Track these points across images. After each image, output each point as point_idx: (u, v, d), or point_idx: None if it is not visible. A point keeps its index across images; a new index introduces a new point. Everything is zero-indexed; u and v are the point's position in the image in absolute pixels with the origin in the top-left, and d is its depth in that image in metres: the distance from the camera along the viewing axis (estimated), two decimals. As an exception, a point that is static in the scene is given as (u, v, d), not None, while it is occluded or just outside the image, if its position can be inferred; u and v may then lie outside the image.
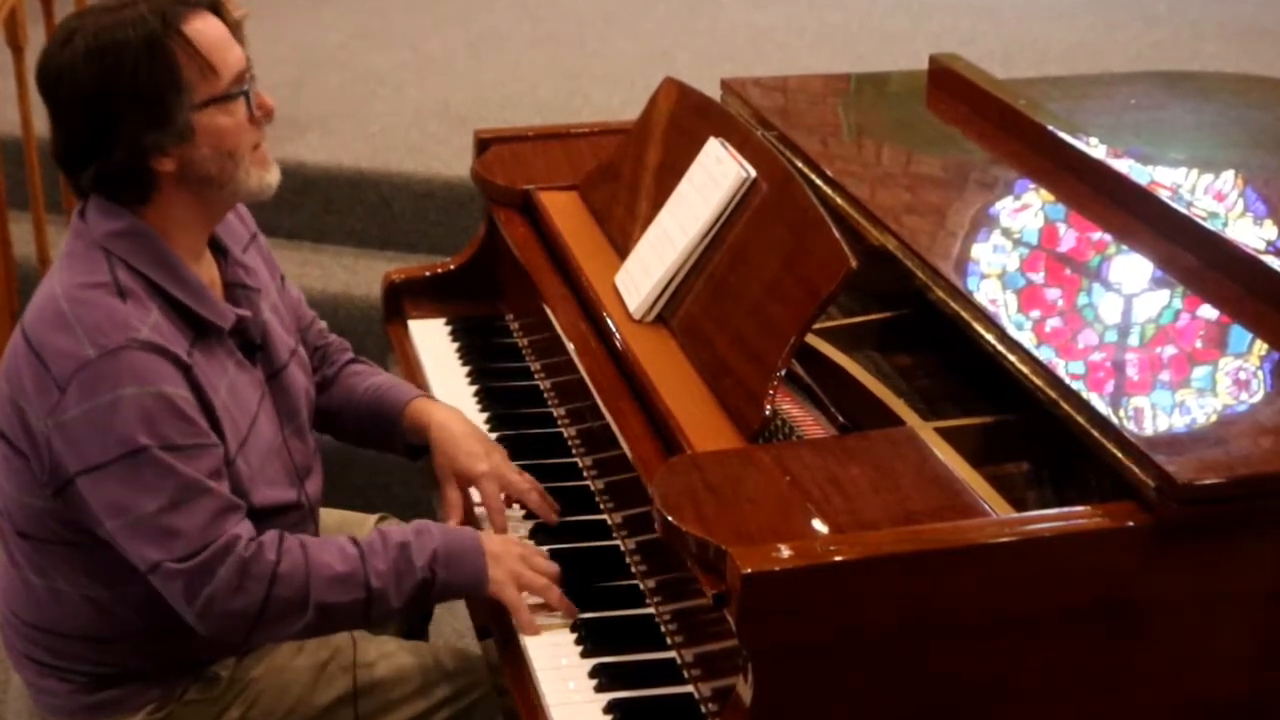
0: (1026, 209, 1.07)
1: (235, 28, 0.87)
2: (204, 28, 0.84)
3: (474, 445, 0.97)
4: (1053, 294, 0.95)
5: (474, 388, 1.15)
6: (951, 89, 1.25)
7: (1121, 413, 0.80)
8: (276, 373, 0.93)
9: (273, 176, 0.88)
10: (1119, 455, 0.78)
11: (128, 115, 0.82)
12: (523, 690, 0.86)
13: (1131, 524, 0.76)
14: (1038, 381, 0.84)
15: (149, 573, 0.83)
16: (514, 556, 0.88)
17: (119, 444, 0.80)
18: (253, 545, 0.83)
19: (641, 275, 1.01)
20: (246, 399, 0.89)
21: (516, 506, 0.98)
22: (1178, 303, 0.94)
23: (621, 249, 1.07)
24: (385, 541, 0.86)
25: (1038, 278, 0.97)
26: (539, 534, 0.97)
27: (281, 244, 1.79)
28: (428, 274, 1.26)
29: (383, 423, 1.01)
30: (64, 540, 0.87)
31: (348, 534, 0.96)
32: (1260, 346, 0.89)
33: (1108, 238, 1.01)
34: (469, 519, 0.96)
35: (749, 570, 0.71)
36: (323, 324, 1.07)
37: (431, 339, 1.21)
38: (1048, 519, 0.78)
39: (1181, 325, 0.92)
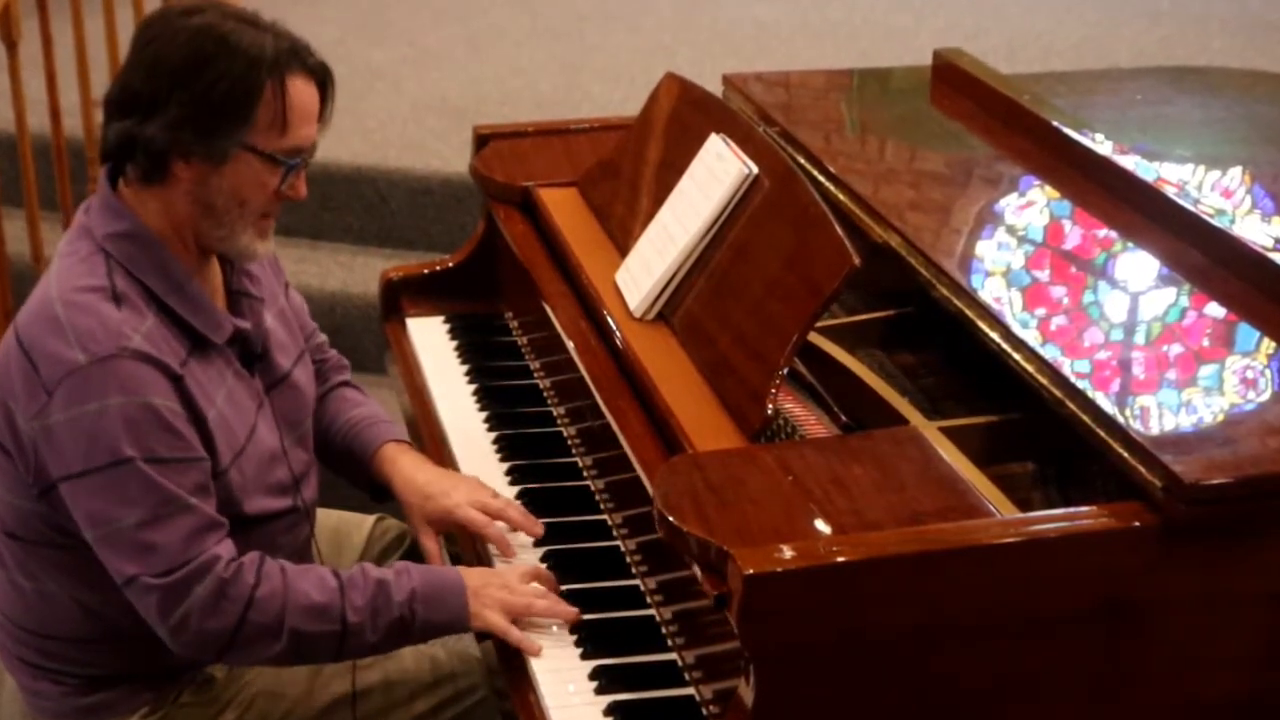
0: (1031, 206, 1.06)
1: (327, 114, 0.86)
2: (303, 90, 0.84)
3: (439, 485, 0.95)
4: (1058, 292, 0.94)
5: (473, 386, 1.14)
6: (956, 84, 1.24)
7: (1127, 412, 0.80)
8: (277, 382, 0.93)
9: (263, 248, 0.87)
10: (1125, 455, 0.77)
11: (185, 105, 0.81)
12: (522, 693, 0.85)
13: (1138, 524, 0.75)
14: (1043, 380, 0.84)
15: (125, 586, 0.82)
16: (495, 585, 0.87)
17: (103, 453, 0.80)
18: (232, 566, 0.83)
19: (642, 273, 1.01)
20: (245, 409, 0.88)
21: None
22: (1184, 300, 0.93)
23: (622, 246, 1.06)
24: (365, 576, 0.86)
25: (1043, 275, 0.96)
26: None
27: (278, 241, 1.73)
28: (426, 272, 1.25)
29: (352, 461, 1.00)
30: (53, 543, 0.86)
31: (330, 549, 0.96)
32: (1268, 345, 0.88)
33: (1113, 235, 1.01)
34: (479, 552, 0.95)
35: (751, 571, 0.70)
36: (323, 337, 1.05)
37: (430, 337, 1.20)
38: (1053, 519, 0.77)
39: (1188, 323, 0.91)
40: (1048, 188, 1.08)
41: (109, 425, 0.79)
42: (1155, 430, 0.79)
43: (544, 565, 0.93)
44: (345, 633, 0.84)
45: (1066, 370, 0.83)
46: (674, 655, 0.86)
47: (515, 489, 1.01)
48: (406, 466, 0.97)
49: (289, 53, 0.83)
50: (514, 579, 0.88)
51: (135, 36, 0.84)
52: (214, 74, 0.81)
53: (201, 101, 0.81)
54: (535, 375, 1.14)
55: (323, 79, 0.85)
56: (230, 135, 0.82)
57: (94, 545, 0.82)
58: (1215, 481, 0.74)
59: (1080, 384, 0.81)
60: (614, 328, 0.98)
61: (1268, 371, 0.86)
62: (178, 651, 0.84)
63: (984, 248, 0.99)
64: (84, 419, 0.80)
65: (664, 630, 0.87)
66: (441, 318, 1.23)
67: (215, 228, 0.85)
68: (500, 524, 0.94)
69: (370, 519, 1.09)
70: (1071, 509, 0.78)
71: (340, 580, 0.85)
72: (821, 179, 1.08)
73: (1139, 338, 0.89)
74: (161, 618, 0.81)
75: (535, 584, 0.88)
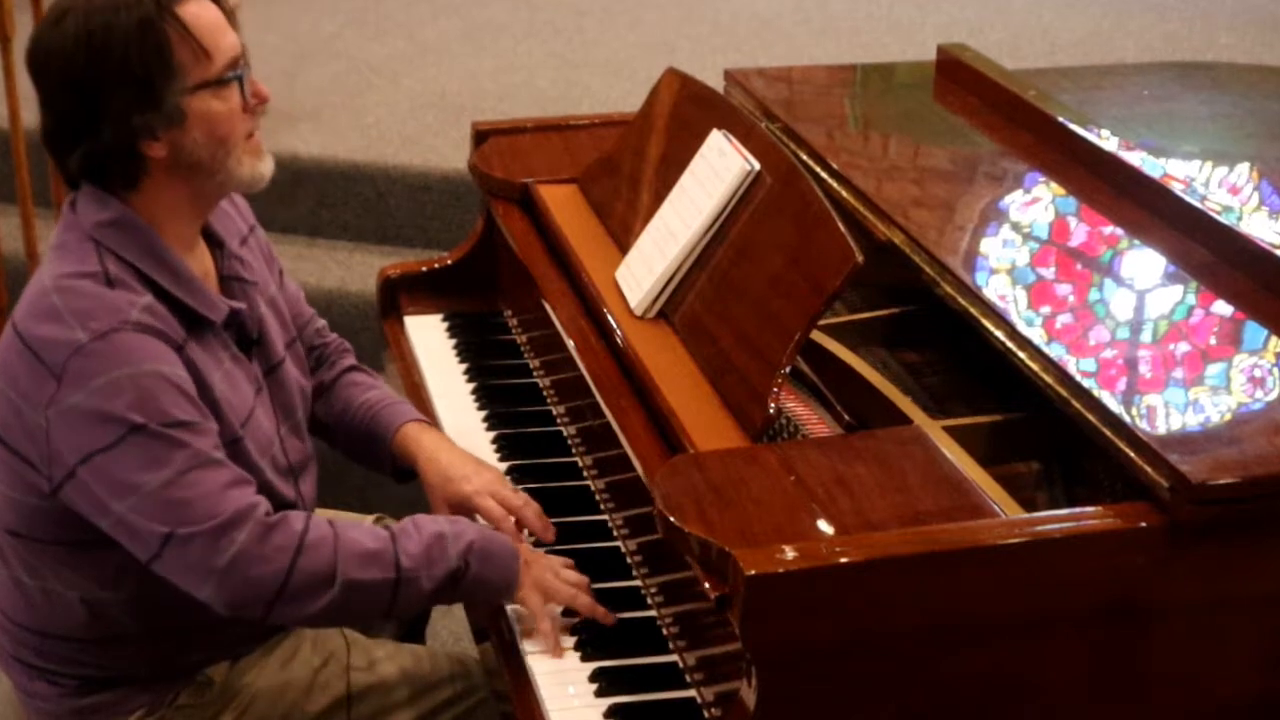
0: (1036, 202, 1.05)
1: (230, 14, 0.86)
2: (199, 11, 0.83)
3: (462, 469, 0.95)
4: (1063, 289, 0.93)
5: (471, 385, 1.13)
6: (960, 80, 1.23)
7: (1134, 411, 0.79)
8: (273, 368, 0.92)
9: (266, 167, 0.87)
10: (1131, 454, 0.77)
11: (117, 96, 0.81)
12: (521, 695, 0.84)
13: (1144, 525, 0.74)
14: (1048, 379, 0.83)
15: (161, 551, 0.79)
16: (543, 565, 0.87)
17: (119, 424, 0.79)
18: (276, 515, 0.81)
19: (643, 270, 1.00)
20: (243, 391, 0.88)
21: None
22: (1191, 298, 0.92)
23: (622, 243, 1.05)
24: (418, 527, 0.85)
25: (1048, 273, 0.95)
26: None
27: (275, 239, 1.74)
28: (424, 269, 1.24)
29: (373, 443, 0.99)
30: (58, 540, 0.85)
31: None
32: (1276, 343, 0.88)
33: (1119, 232, 1.00)
34: None
35: (753, 572, 0.70)
36: (322, 322, 1.05)
37: (428, 335, 1.19)
38: (1058, 520, 0.77)
39: (1195, 321, 0.90)
40: (1053, 184, 1.07)
41: (121, 397, 0.78)
42: (1162, 429, 0.78)
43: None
44: (399, 580, 0.82)
45: (1072, 369, 0.82)
46: (675, 657, 0.85)
47: (514, 488, 1.01)
48: (429, 445, 0.96)
49: None
50: (561, 567, 0.87)
51: (31, 72, 0.84)
52: (119, 51, 0.80)
53: (126, 82, 0.80)
54: (535, 374, 1.14)
55: None
56: (171, 91, 0.81)
57: (123, 521, 0.79)
58: (1222, 481, 0.74)
59: (1086, 383, 0.81)
60: (614, 326, 0.98)
61: (1275, 370, 0.85)
62: (223, 608, 0.80)
63: (988, 245, 0.99)
64: (95, 395, 0.79)
65: (665, 632, 0.87)
66: (440, 316, 1.22)
67: (212, 178, 0.84)
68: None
69: (368, 519, 1.06)
70: (1077, 509, 0.77)
71: (390, 530, 0.84)
72: (824, 175, 1.07)
73: (1145, 336, 0.88)
74: (206, 568, 0.78)
75: (581, 578, 0.87)
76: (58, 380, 0.79)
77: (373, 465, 1.01)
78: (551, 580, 0.86)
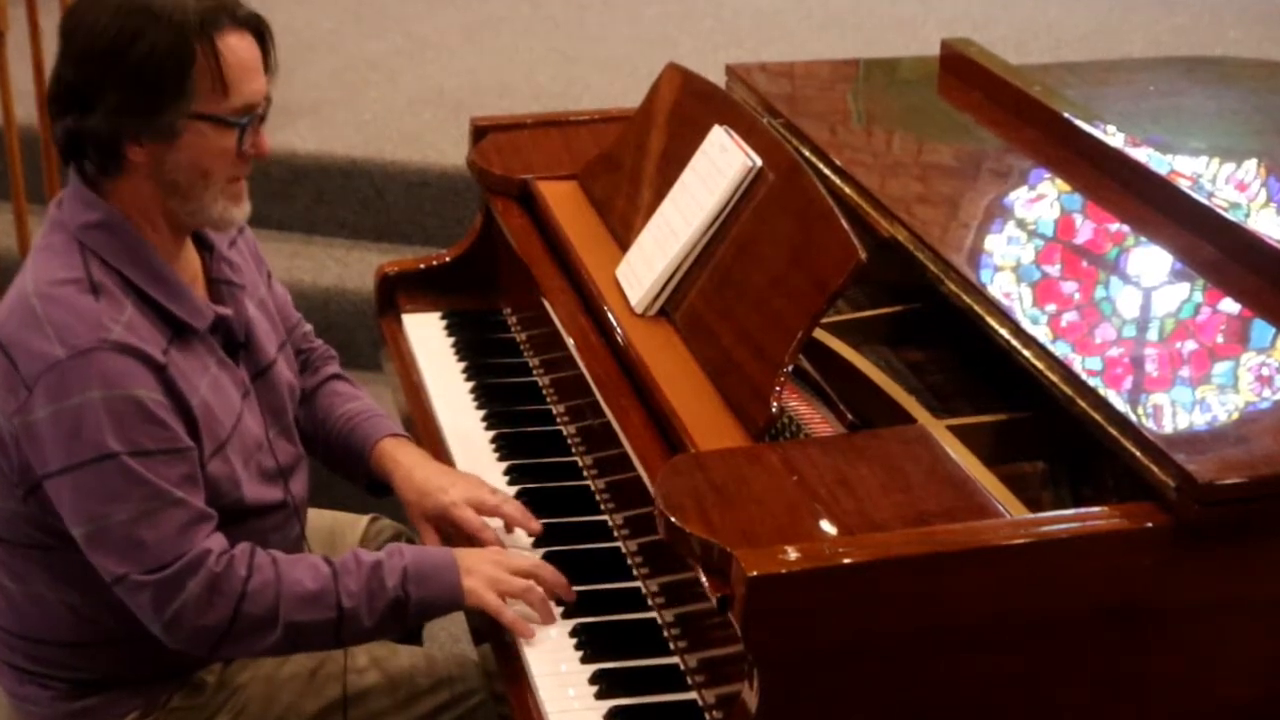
0: (1042, 199, 1.05)
1: (272, 61, 0.84)
2: (237, 46, 0.82)
3: (437, 481, 0.94)
4: (1069, 287, 0.93)
5: (470, 384, 1.12)
6: (964, 75, 1.23)
7: (1140, 410, 0.79)
8: (262, 371, 0.91)
9: (240, 212, 0.86)
10: (1137, 454, 0.76)
11: (120, 88, 0.79)
12: (520, 697, 0.84)
13: (1150, 525, 0.74)
14: (1053, 378, 0.82)
15: (115, 585, 0.81)
16: (489, 564, 0.86)
17: (87, 448, 0.79)
18: (223, 560, 0.82)
19: (643, 268, 0.99)
20: (230, 397, 0.87)
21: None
22: (1198, 296, 0.92)
23: (623, 240, 1.05)
24: (358, 561, 0.85)
25: (1053, 270, 0.95)
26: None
27: (272, 236, 1.76)
28: (422, 266, 1.24)
29: (350, 456, 0.99)
30: (40, 544, 0.85)
31: (324, 550, 0.94)
32: (1284, 342, 0.87)
33: (1125, 229, 0.99)
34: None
35: (755, 573, 0.69)
36: (308, 327, 1.04)
37: (426, 334, 1.19)
38: (1063, 520, 0.77)
39: (1202, 319, 0.90)
40: (1058, 180, 1.06)
41: (91, 419, 0.78)
42: (1168, 429, 0.77)
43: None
44: (341, 619, 0.83)
45: (1077, 367, 0.82)
46: (676, 659, 0.85)
47: (514, 489, 1.00)
48: (405, 461, 0.96)
49: (214, 10, 0.81)
50: (509, 559, 0.87)
51: (60, 27, 0.82)
52: (141, 51, 0.79)
53: (135, 82, 0.79)
54: (534, 372, 1.13)
55: (257, 28, 0.83)
56: (173, 109, 0.80)
57: (82, 544, 0.81)
58: (1229, 481, 0.73)
59: (1092, 381, 0.80)
60: (615, 324, 0.97)
61: (1284, 369, 0.85)
62: (173, 646, 0.83)
63: (993, 242, 0.98)
64: (65, 414, 0.78)
65: (666, 633, 0.86)
66: (438, 314, 1.21)
67: (184, 204, 0.83)
68: (497, 522, 0.93)
69: (364, 519, 1.07)
70: (1082, 509, 0.77)
71: (333, 566, 0.84)
72: (827, 172, 1.06)
73: (1152, 334, 0.87)
74: (155, 614, 0.81)
75: (531, 567, 0.86)
76: (29, 390, 0.79)
77: (349, 477, 1.01)
78: (501, 575, 0.85)
